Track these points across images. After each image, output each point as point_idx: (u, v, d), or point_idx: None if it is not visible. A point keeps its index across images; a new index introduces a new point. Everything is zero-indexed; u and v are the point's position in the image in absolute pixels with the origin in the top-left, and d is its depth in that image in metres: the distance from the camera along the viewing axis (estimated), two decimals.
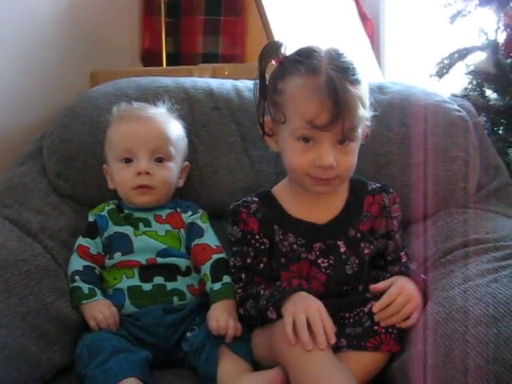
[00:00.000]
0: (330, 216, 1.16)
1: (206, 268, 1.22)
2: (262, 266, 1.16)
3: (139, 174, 1.24)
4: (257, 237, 1.15)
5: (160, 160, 1.26)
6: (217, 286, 1.19)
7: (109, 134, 1.30)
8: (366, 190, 1.19)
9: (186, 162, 1.34)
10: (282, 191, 1.19)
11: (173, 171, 1.28)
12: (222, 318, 1.11)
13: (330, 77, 1.03)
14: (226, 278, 1.20)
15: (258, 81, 1.13)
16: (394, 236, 1.19)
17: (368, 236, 1.17)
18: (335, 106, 1.01)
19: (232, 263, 1.18)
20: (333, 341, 0.99)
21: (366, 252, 1.16)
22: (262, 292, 1.10)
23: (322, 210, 1.16)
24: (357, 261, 1.15)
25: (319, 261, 1.14)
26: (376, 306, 1.05)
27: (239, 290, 1.16)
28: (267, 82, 1.13)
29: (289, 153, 1.10)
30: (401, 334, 1.05)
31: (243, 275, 1.16)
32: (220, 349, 1.10)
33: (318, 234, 1.15)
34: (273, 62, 1.12)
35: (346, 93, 1.03)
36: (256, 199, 1.18)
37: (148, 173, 1.24)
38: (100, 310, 1.17)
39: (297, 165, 1.08)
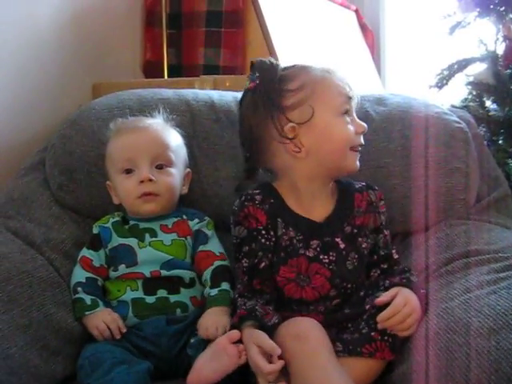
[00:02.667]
0: (325, 214, 1.19)
1: (207, 274, 1.23)
2: (263, 265, 1.15)
3: (142, 181, 1.24)
4: (263, 232, 1.16)
5: (161, 167, 1.26)
6: (213, 291, 1.20)
7: (108, 150, 1.31)
8: (353, 187, 1.23)
9: (188, 169, 1.35)
10: (281, 187, 1.21)
11: (175, 177, 1.28)
12: (211, 327, 1.11)
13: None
14: (224, 285, 1.21)
15: (263, 96, 1.17)
16: (383, 230, 1.22)
17: (364, 230, 1.19)
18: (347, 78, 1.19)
19: (244, 263, 1.16)
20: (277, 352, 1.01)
21: (363, 246, 1.18)
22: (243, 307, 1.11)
23: (317, 207, 1.19)
24: (356, 256, 1.17)
25: (321, 257, 1.15)
26: (381, 316, 1.06)
27: (236, 295, 1.16)
28: (269, 94, 1.16)
29: (338, 129, 1.16)
30: (397, 343, 1.06)
31: (246, 277, 1.16)
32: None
33: (316, 232, 1.17)
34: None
35: None
36: (258, 191, 1.19)
37: (151, 180, 1.24)
38: (102, 319, 1.17)
39: (349, 136, 1.16)
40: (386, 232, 1.22)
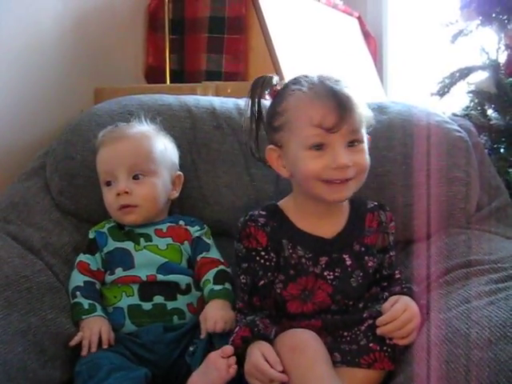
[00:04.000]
0: (335, 231, 1.18)
1: (209, 274, 1.24)
2: (262, 283, 1.15)
3: (118, 194, 1.25)
4: (262, 253, 1.15)
5: (137, 177, 1.26)
6: (217, 287, 1.22)
7: (96, 161, 1.31)
8: (366, 207, 1.21)
9: (179, 173, 1.33)
10: (288, 206, 1.20)
11: (155, 186, 1.27)
12: (220, 320, 1.13)
13: (327, 84, 1.10)
14: (228, 285, 1.23)
15: (249, 111, 1.18)
16: (389, 251, 1.21)
17: (372, 250, 1.18)
18: (339, 105, 1.07)
19: (242, 280, 1.17)
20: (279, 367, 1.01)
21: (369, 265, 1.17)
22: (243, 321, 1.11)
23: (328, 225, 1.18)
24: (361, 274, 1.16)
25: (325, 273, 1.15)
26: (380, 320, 1.06)
27: (236, 312, 1.17)
28: (265, 115, 1.18)
29: (302, 162, 1.10)
30: (396, 353, 1.05)
31: (246, 296, 1.16)
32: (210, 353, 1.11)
33: (325, 248, 1.16)
34: (267, 97, 1.17)
35: (345, 93, 1.09)
36: (263, 212, 1.18)
37: (126, 192, 1.25)
38: (98, 324, 1.17)
39: (312, 171, 1.09)
40: (392, 253, 1.21)
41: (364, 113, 1.12)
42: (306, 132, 1.08)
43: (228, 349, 1.05)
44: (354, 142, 1.10)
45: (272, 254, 1.15)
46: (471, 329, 0.93)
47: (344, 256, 1.16)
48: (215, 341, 1.12)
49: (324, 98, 1.08)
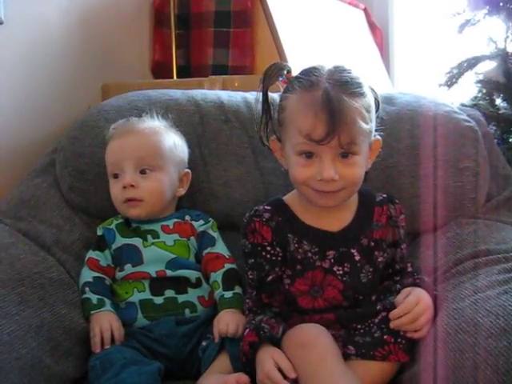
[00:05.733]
0: (342, 225, 1.17)
1: (217, 276, 1.24)
2: (270, 278, 1.15)
3: (124, 187, 1.25)
4: (268, 248, 1.15)
5: (144, 172, 1.26)
6: (228, 294, 1.21)
7: (106, 152, 1.32)
8: (374, 200, 1.20)
9: (186, 170, 1.33)
10: (293, 200, 1.19)
11: (162, 181, 1.27)
12: (232, 323, 1.13)
13: (326, 90, 1.04)
14: (238, 289, 1.22)
15: (261, 99, 1.16)
16: (400, 245, 1.20)
17: (381, 244, 1.17)
18: (330, 118, 1.02)
19: (250, 276, 1.17)
20: (292, 375, 1.01)
21: (379, 260, 1.17)
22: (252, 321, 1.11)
23: (334, 219, 1.17)
24: (371, 269, 1.15)
25: (334, 268, 1.14)
26: (393, 314, 1.06)
27: (246, 311, 1.17)
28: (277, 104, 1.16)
29: (292, 167, 1.11)
30: (410, 344, 1.05)
31: (254, 292, 1.16)
32: (221, 353, 1.12)
33: (332, 242, 1.15)
34: (279, 84, 1.14)
35: (341, 104, 1.03)
36: (268, 207, 1.17)
37: (132, 185, 1.25)
38: (108, 320, 1.18)
39: (299, 178, 1.09)
40: (403, 246, 1.20)
41: (363, 127, 1.05)
42: (296, 139, 1.07)
43: (243, 377, 1.04)
44: (346, 154, 1.06)
45: (278, 249, 1.15)
46: (484, 318, 0.93)
47: (352, 251, 1.15)
48: (226, 344, 1.13)
49: (316, 107, 1.03)
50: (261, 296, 1.15)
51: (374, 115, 1.11)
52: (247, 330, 1.10)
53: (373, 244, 1.16)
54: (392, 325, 1.05)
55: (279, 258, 1.15)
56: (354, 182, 1.10)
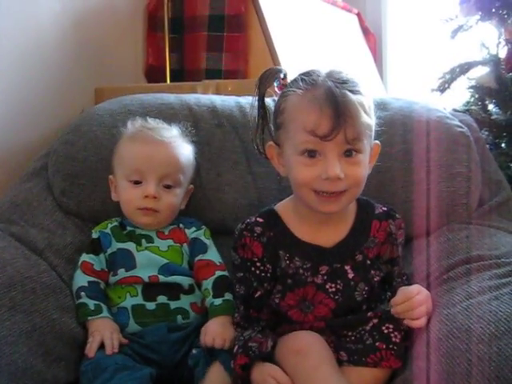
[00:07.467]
0: (337, 239, 1.14)
1: (208, 283, 1.24)
2: (258, 294, 1.14)
3: (146, 197, 1.25)
4: (258, 264, 1.13)
5: (168, 187, 1.26)
6: (218, 301, 1.21)
7: (121, 150, 1.30)
8: (373, 213, 1.17)
9: (191, 185, 1.35)
10: (286, 211, 1.17)
11: (179, 197, 1.29)
12: (218, 337, 1.13)
13: (328, 86, 1.03)
14: (228, 295, 1.22)
15: (257, 105, 1.14)
16: (398, 262, 1.19)
17: (377, 263, 1.16)
18: (335, 112, 1.01)
19: (237, 289, 1.16)
20: None
21: (375, 280, 1.15)
22: (242, 338, 1.11)
23: (329, 232, 1.14)
24: (366, 288, 1.14)
25: (327, 286, 1.12)
26: (394, 300, 1.06)
27: (234, 325, 1.16)
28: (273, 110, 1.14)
29: (294, 169, 1.07)
30: (402, 350, 1.05)
31: (242, 307, 1.16)
32: (213, 364, 1.11)
33: (325, 258, 1.13)
34: (272, 90, 1.13)
35: (345, 98, 1.02)
36: (260, 220, 1.15)
37: (155, 197, 1.25)
38: (101, 331, 1.16)
39: (303, 179, 1.06)
40: (401, 265, 1.20)
41: (367, 121, 1.05)
42: (299, 137, 1.04)
43: None
44: (351, 152, 1.04)
45: (268, 265, 1.13)
46: (475, 324, 0.93)
47: (346, 267, 1.13)
48: (215, 353, 1.12)
49: (321, 102, 1.02)
50: (249, 311, 1.15)
51: (373, 115, 1.11)
52: (236, 348, 1.08)
53: (369, 262, 1.14)
54: (393, 310, 1.05)
55: (268, 275, 1.14)
56: (357, 183, 1.07)
